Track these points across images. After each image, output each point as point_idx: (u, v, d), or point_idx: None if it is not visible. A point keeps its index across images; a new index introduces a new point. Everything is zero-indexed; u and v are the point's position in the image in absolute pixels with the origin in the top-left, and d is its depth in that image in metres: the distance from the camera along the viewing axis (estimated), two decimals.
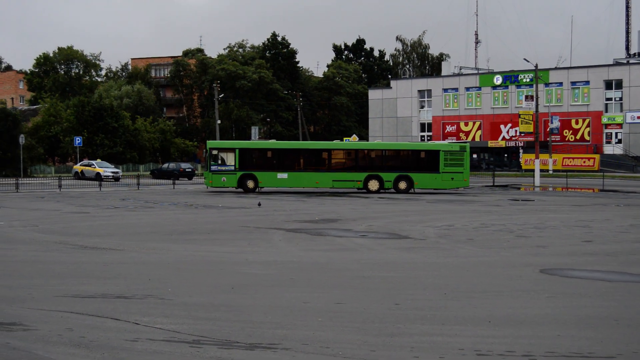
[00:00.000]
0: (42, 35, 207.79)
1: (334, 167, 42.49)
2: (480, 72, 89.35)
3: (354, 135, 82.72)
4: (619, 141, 76.61)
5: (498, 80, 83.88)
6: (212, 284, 13.20)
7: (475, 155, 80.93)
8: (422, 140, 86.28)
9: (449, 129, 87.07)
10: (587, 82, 78.14)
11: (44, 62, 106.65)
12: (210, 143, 44.16)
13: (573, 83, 79.09)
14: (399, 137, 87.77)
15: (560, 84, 79.71)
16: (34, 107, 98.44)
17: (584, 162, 73.18)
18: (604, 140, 77.36)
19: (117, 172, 59.37)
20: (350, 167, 42.54)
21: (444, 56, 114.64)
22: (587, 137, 77.91)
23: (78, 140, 66.52)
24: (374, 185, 41.70)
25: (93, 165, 60.06)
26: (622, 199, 36.87)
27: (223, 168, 42.23)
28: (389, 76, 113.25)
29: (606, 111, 77.57)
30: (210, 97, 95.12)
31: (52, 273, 14.42)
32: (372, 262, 15.89)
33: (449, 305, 11.41)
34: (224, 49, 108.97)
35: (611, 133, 77.24)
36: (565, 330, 9.84)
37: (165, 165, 65.97)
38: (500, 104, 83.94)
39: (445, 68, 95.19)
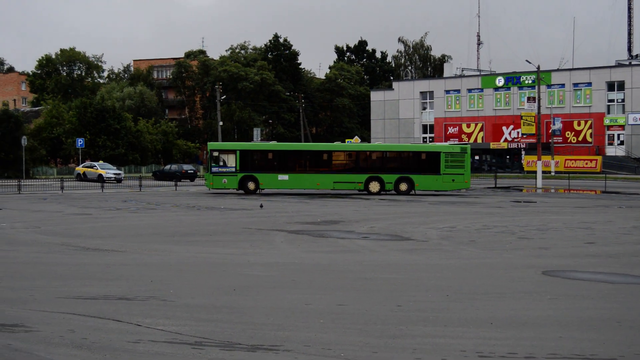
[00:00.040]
0: (44, 37, 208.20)
1: (334, 168, 42.48)
2: (482, 73, 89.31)
3: (356, 136, 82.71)
4: (621, 143, 76.57)
5: (500, 81, 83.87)
6: (214, 285, 13.19)
7: (477, 157, 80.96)
8: (424, 141, 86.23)
9: (451, 130, 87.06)
10: (589, 84, 78.12)
11: (46, 64, 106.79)
12: (211, 145, 44.18)
13: (575, 84, 79.07)
14: (401, 138, 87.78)
15: (563, 85, 79.69)
16: (36, 108, 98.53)
17: (586, 163, 73.14)
18: (606, 141, 77.32)
19: (119, 174, 59.38)
20: (351, 169, 42.52)
21: (446, 58, 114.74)
22: (589, 139, 77.88)
23: (80, 141, 66.55)
24: (374, 186, 41.69)
25: (95, 166, 60.08)
26: (625, 201, 36.85)
27: (224, 170, 42.25)
28: (391, 78, 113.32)
29: (608, 113, 77.54)
30: (213, 99, 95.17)
31: (54, 274, 14.43)
32: (374, 264, 15.87)
33: (451, 306, 11.40)
34: (226, 50, 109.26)
35: (613, 135, 77.20)
36: (568, 332, 9.83)
37: (168, 166, 65.92)
38: (502, 106, 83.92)
39: (447, 69, 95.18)
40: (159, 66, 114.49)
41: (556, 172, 70.36)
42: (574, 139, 78.58)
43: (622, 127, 76.31)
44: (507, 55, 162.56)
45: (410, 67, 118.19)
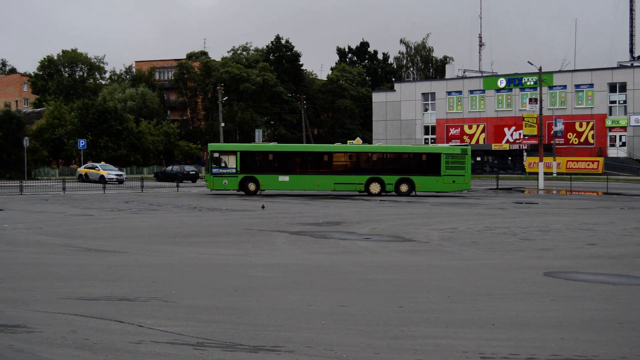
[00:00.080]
0: (46, 38, 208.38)
1: (335, 169, 42.49)
2: (484, 75, 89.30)
3: (358, 138, 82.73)
4: (623, 144, 76.54)
5: (502, 83, 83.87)
6: (216, 286, 13.20)
7: (479, 158, 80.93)
8: (426, 143, 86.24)
9: (452, 131, 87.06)
10: (591, 85, 78.10)
11: (48, 65, 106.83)
12: (212, 146, 44.19)
13: (577, 86, 79.06)
14: (402, 140, 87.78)
15: (564, 86, 79.69)
16: (38, 109, 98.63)
17: (588, 165, 73.13)
18: (608, 143, 77.30)
19: (121, 175, 59.39)
20: (352, 170, 42.53)
21: (447, 59, 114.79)
22: (591, 140, 77.85)
23: (82, 142, 66.58)
24: (375, 188, 41.69)
25: (97, 167, 60.11)
26: (626, 202, 36.83)
27: (224, 171, 42.27)
28: (393, 79, 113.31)
29: (610, 114, 77.52)
30: (214, 100, 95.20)
31: (56, 275, 14.44)
32: (376, 265, 15.88)
33: (453, 308, 11.40)
34: (227, 51, 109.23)
35: (615, 136, 77.18)
36: (570, 333, 9.83)
37: (169, 167, 65.99)
38: (504, 107, 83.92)
39: (449, 71, 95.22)
40: (161, 67, 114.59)
41: (558, 174, 70.32)
42: (575, 141, 78.56)
43: (624, 128, 76.28)
44: (509, 56, 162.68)
45: (412, 69, 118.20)
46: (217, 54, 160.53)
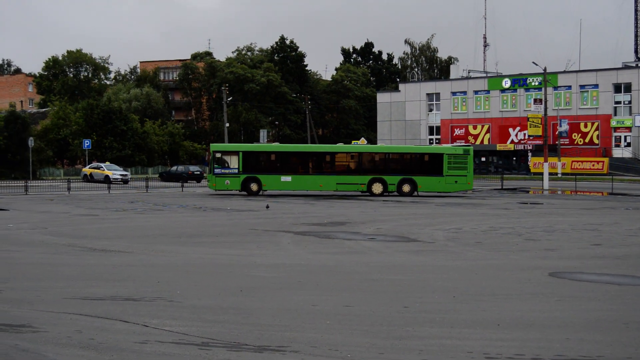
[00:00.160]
0: (51, 38, 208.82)
1: (337, 170, 42.52)
2: (488, 75, 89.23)
3: (362, 138, 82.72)
4: (628, 144, 76.40)
5: (507, 83, 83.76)
6: (221, 286, 13.21)
7: (483, 159, 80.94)
8: (431, 143, 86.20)
9: (457, 132, 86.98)
10: (596, 86, 77.99)
11: (53, 66, 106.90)
12: (214, 146, 44.18)
13: (582, 86, 78.94)
14: (407, 140, 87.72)
15: (569, 87, 79.57)
16: (43, 110, 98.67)
17: (593, 165, 73.02)
18: (613, 143, 77.15)
19: (125, 175, 59.49)
20: (354, 170, 42.54)
21: (452, 59, 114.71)
22: (596, 141, 77.73)
23: (87, 143, 66.67)
24: (377, 188, 41.67)
25: (102, 168, 60.21)
26: (631, 203, 36.79)
27: (227, 171, 42.26)
28: (398, 79, 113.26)
29: (615, 114, 77.38)
30: (219, 100, 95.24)
31: (61, 275, 14.46)
32: (380, 265, 15.88)
33: (458, 308, 11.40)
34: (232, 52, 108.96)
35: (620, 136, 77.03)
36: (574, 333, 9.82)
37: (174, 168, 66.07)
38: (508, 107, 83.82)
39: (454, 71, 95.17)
40: (166, 68, 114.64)
41: (563, 174, 70.24)
42: (580, 141, 78.44)
43: (629, 129, 76.13)
44: (514, 57, 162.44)
45: (416, 69, 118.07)
46: (221, 55, 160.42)
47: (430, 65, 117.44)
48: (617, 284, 13.74)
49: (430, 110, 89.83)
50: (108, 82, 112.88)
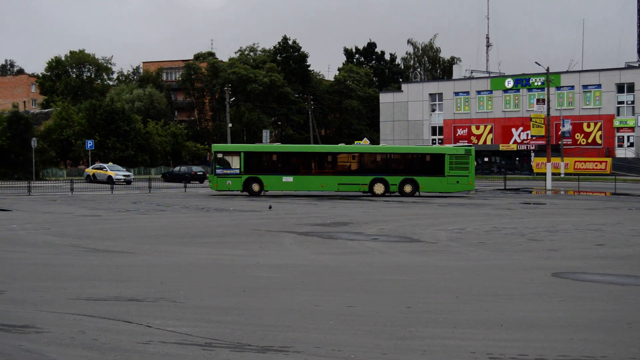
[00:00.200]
0: (53, 39, 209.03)
1: (339, 170, 42.52)
2: (491, 75, 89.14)
3: (365, 138, 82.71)
4: (631, 144, 76.33)
5: (509, 83, 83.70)
6: (224, 287, 13.21)
7: (486, 159, 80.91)
8: (434, 143, 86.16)
9: (460, 132, 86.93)
10: (599, 86, 77.91)
11: (56, 66, 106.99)
12: (215, 146, 44.14)
13: (584, 86, 78.87)
14: (410, 140, 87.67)
15: (572, 87, 79.51)
16: (46, 110, 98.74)
17: (596, 165, 72.97)
18: (616, 143, 77.08)
19: (128, 175, 59.49)
20: (356, 171, 42.54)
21: (455, 59, 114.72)
22: (598, 141, 77.66)
23: (90, 143, 66.71)
24: (379, 188, 41.65)
25: (105, 168, 60.23)
26: (634, 203, 36.76)
27: (228, 171, 42.23)
28: (400, 80, 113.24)
29: (618, 114, 77.31)
30: (222, 101, 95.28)
31: (64, 276, 14.47)
32: (383, 266, 15.87)
33: (461, 308, 11.39)
34: (235, 52, 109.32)
35: (623, 137, 76.96)
36: (578, 333, 9.81)
37: (177, 168, 66.11)
38: (511, 108, 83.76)
39: (457, 71, 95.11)
40: (168, 68, 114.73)
41: (566, 174, 70.17)
42: (583, 141, 78.38)
43: (632, 129, 76.06)
44: (516, 57, 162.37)
45: (419, 69, 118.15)
46: (224, 55, 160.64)
47: (432, 65, 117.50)
48: (621, 284, 13.74)
49: (433, 110, 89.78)
50: (111, 83, 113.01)
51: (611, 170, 70.58)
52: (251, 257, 17.06)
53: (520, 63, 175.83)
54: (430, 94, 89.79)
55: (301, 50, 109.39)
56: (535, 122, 64.81)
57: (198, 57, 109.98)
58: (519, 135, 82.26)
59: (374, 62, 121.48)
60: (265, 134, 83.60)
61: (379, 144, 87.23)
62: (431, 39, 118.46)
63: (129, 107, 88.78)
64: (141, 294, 12.40)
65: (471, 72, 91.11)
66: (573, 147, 77.44)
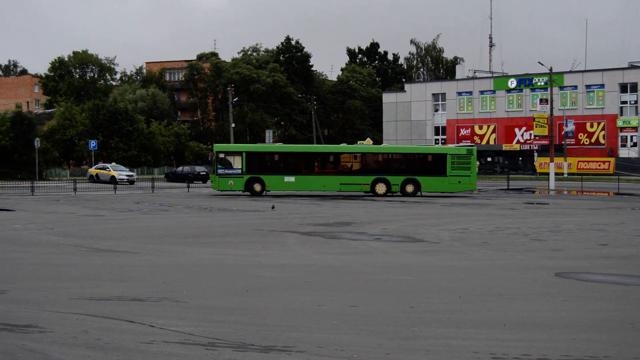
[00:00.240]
0: (57, 39, 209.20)
1: (341, 170, 42.53)
2: (494, 75, 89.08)
3: (368, 138, 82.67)
4: (634, 144, 76.23)
5: (512, 83, 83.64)
6: (227, 286, 13.22)
7: (489, 159, 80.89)
8: (437, 143, 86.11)
9: (463, 132, 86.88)
10: (602, 86, 77.83)
11: (59, 66, 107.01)
12: (217, 146, 44.15)
13: (588, 86, 78.79)
14: (413, 140, 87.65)
15: (575, 87, 79.42)
16: (49, 110, 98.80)
17: (599, 165, 72.89)
18: (619, 143, 76.98)
19: (131, 176, 59.52)
20: (358, 171, 42.54)
21: (458, 60, 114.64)
22: (602, 141, 77.57)
23: (93, 143, 66.79)
24: (381, 188, 41.63)
25: (108, 168, 60.27)
26: (638, 203, 36.71)
27: (230, 171, 42.23)
28: (403, 80, 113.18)
29: (621, 114, 77.21)
30: (225, 101, 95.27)
31: (67, 276, 14.49)
32: (386, 266, 15.87)
33: (464, 308, 11.39)
34: (238, 52, 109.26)
35: (626, 136, 76.86)
36: (581, 333, 9.80)
37: (180, 168, 66.16)
38: (514, 107, 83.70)
39: (460, 71, 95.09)
40: (171, 68, 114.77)
41: (569, 174, 70.09)
42: (586, 141, 78.29)
43: (635, 128, 75.97)
44: (519, 57, 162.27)
45: (422, 69, 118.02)
46: (227, 55, 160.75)
47: (436, 65, 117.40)
48: (624, 284, 13.72)
49: (436, 110, 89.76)
50: (114, 83, 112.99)
51: (614, 170, 70.51)
52: (254, 257, 17.07)
53: (523, 63, 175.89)
54: (433, 94, 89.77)
55: (304, 50, 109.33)
56: (539, 122, 64.89)
57: (201, 57, 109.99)
58: (522, 135, 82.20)
59: (376, 62, 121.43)
60: (268, 134, 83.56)
61: (382, 144, 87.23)
62: (434, 39, 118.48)
63: (132, 107, 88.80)
64: (144, 294, 12.41)
65: (474, 72, 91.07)
66: (576, 147, 77.36)
